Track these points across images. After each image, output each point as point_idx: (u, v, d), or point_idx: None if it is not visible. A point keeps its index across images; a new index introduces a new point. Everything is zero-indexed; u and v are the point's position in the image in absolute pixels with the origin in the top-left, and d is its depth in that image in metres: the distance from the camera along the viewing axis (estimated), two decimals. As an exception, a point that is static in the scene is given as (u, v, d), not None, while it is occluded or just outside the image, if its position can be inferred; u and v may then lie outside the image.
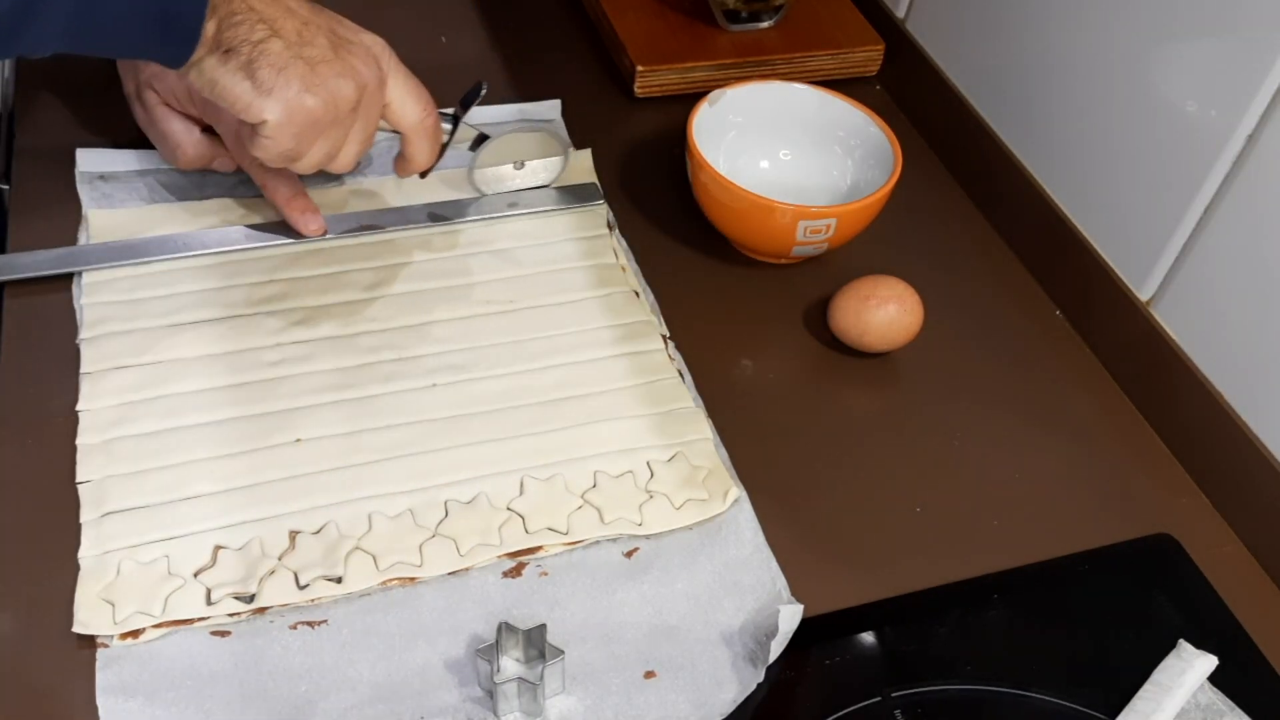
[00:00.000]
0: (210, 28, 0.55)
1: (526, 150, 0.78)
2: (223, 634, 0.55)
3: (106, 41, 0.55)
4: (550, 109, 0.86)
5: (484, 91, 0.72)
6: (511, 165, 0.77)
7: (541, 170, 0.78)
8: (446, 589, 0.57)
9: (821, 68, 0.91)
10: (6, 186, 0.76)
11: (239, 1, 0.56)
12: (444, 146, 0.70)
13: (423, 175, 0.70)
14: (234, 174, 0.75)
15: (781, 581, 0.59)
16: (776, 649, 0.55)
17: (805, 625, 0.56)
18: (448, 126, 0.70)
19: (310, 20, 0.59)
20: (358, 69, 0.60)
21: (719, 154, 0.77)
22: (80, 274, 0.69)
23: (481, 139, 0.75)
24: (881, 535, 0.63)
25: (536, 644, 0.53)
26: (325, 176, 0.76)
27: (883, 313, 0.69)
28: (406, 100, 0.65)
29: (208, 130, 0.72)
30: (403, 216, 0.75)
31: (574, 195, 0.78)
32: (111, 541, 0.57)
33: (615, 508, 0.61)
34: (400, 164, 0.69)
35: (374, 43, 0.63)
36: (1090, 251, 0.73)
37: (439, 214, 0.76)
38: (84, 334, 0.66)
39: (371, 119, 0.63)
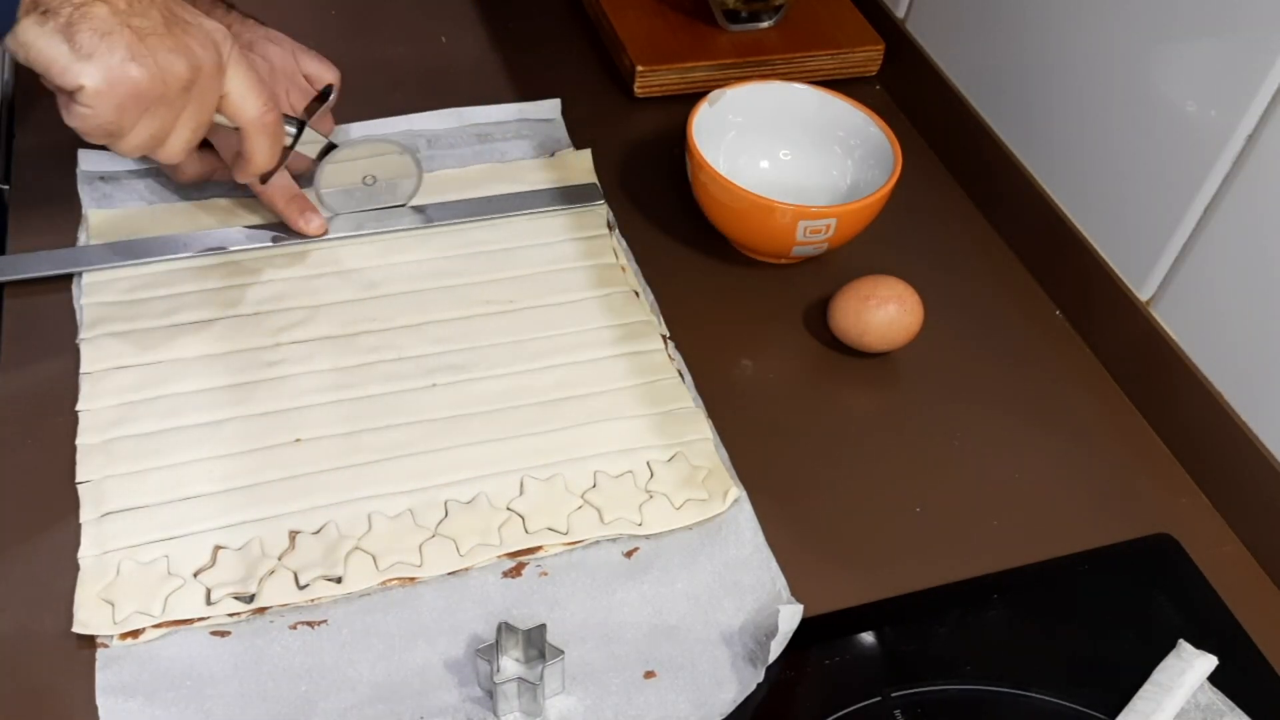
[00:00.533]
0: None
1: (378, 167, 0.74)
2: (223, 634, 0.55)
3: None
4: (550, 109, 0.86)
5: (333, 96, 0.70)
6: (362, 181, 0.74)
7: (391, 190, 0.75)
8: (446, 589, 0.57)
9: (821, 68, 0.91)
10: (6, 186, 0.76)
11: None
12: (287, 150, 0.66)
13: (263, 180, 0.67)
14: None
15: (781, 581, 0.59)
16: (776, 649, 0.55)
17: (805, 625, 0.56)
18: (292, 130, 0.67)
19: None
20: (192, 48, 0.56)
21: (719, 154, 0.77)
22: (80, 274, 0.69)
23: (329, 148, 0.70)
24: (881, 535, 0.63)
25: (536, 644, 0.53)
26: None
27: (883, 313, 0.69)
28: (247, 94, 0.60)
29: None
30: (398, 217, 0.75)
31: (574, 195, 0.78)
32: (111, 541, 0.57)
33: (615, 508, 0.61)
34: (239, 164, 0.65)
35: (215, 29, 0.59)
36: (1090, 251, 0.73)
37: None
38: (84, 334, 0.66)
39: (205, 105, 0.58)
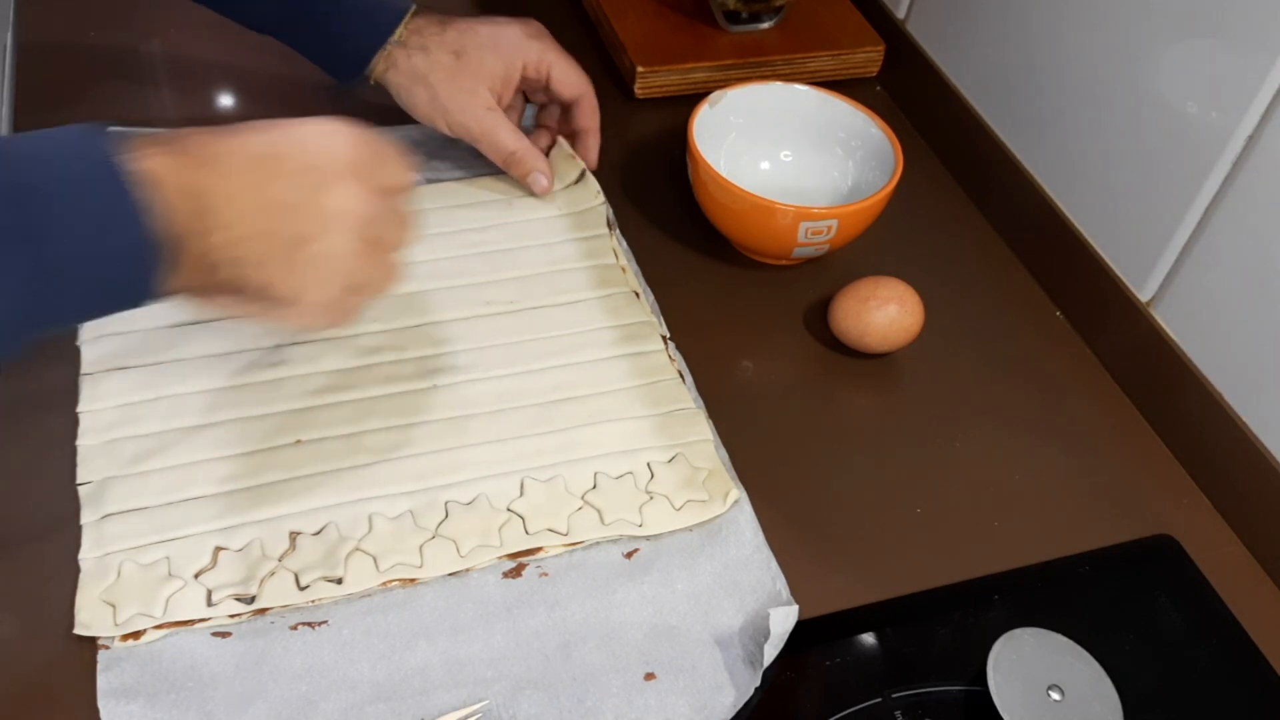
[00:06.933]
0: (193, 280, 0.47)
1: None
2: (223, 635, 0.55)
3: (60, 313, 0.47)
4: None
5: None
6: None
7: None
8: (447, 590, 0.58)
9: (822, 69, 0.91)
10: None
11: (212, 243, 0.47)
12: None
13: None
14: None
15: (782, 582, 0.59)
16: (771, 652, 0.55)
17: (805, 626, 0.56)
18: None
19: (277, 193, 0.49)
20: (347, 217, 0.50)
21: (720, 155, 0.77)
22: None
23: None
24: (882, 536, 0.63)
25: None
26: None
27: (883, 314, 0.69)
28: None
29: None
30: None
31: (574, 195, 0.78)
32: (112, 543, 0.57)
33: (615, 509, 0.61)
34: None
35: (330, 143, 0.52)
36: (1090, 252, 0.74)
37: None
38: (84, 335, 0.66)
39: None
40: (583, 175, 0.78)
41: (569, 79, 0.77)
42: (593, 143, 0.80)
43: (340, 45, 0.75)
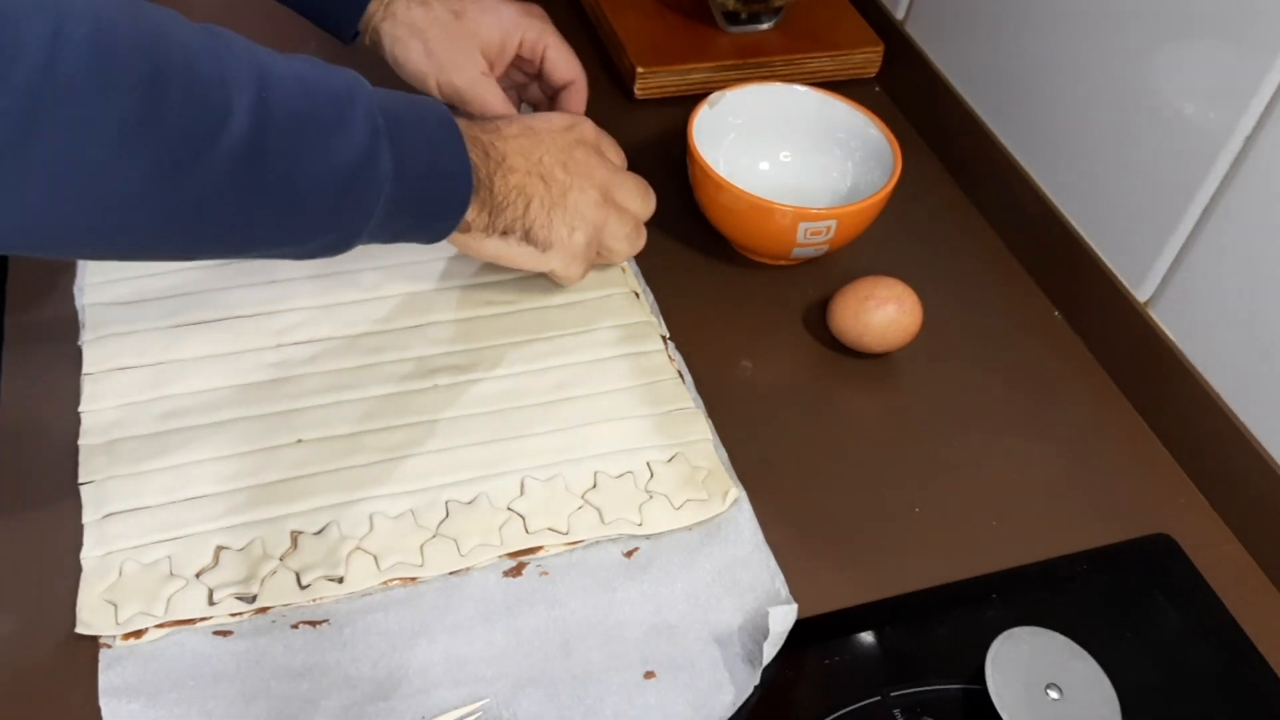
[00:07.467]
0: (480, 220, 0.61)
1: None
2: (225, 634, 0.55)
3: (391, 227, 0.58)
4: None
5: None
6: None
7: None
8: (447, 589, 0.58)
9: (821, 69, 0.92)
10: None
11: (499, 186, 0.61)
12: None
13: None
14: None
15: (781, 581, 0.59)
16: (770, 651, 0.55)
17: (805, 625, 0.56)
18: None
19: (542, 155, 0.64)
20: (592, 174, 0.66)
21: (719, 156, 0.77)
22: (82, 275, 0.69)
23: None
24: (881, 535, 0.63)
25: None
26: None
27: (882, 313, 0.69)
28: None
29: None
30: None
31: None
32: (114, 542, 0.57)
33: (615, 508, 0.61)
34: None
35: (559, 125, 0.67)
36: (1088, 252, 0.74)
37: None
38: (86, 335, 0.66)
39: (623, 200, 0.69)
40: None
41: (563, 62, 0.76)
42: None
43: None
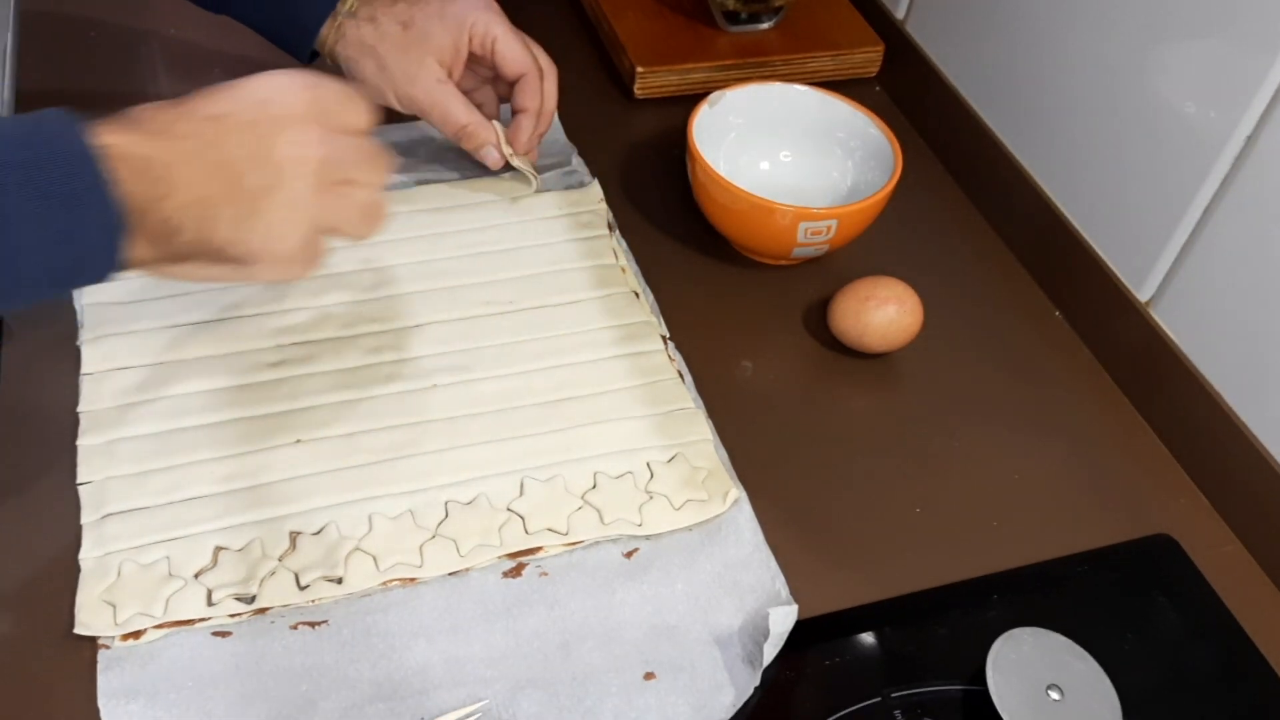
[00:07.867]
0: (146, 253, 0.48)
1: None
2: (224, 635, 0.55)
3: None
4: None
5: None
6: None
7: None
8: (447, 589, 0.58)
9: (821, 69, 0.92)
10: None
11: (165, 210, 0.47)
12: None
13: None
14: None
15: (781, 581, 0.59)
16: (770, 651, 0.55)
17: (805, 625, 0.56)
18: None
19: (230, 151, 0.50)
20: (305, 159, 0.51)
21: (719, 155, 0.77)
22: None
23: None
24: (881, 536, 0.63)
25: None
26: None
27: (882, 313, 0.69)
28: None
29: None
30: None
31: (574, 197, 0.78)
32: (112, 543, 0.57)
33: (615, 508, 0.61)
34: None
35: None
36: (1089, 252, 0.74)
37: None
38: (85, 335, 0.66)
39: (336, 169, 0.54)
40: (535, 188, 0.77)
41: (511, 54, 0.73)
42: (526, 124, 0.75)
43: (292, 16, 0.73)
